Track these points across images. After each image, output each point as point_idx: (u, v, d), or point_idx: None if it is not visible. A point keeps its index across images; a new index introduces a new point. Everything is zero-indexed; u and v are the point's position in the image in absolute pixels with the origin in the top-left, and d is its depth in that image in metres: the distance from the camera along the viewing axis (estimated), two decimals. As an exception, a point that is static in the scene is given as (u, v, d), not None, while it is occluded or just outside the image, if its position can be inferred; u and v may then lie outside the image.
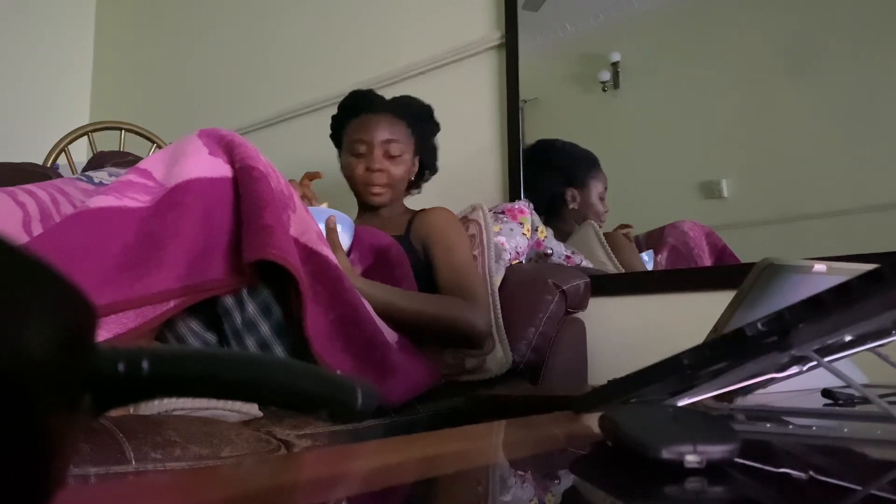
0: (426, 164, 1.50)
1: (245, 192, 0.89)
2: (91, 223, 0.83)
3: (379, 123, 1.39)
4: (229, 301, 0.88)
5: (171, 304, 0.82)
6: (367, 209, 1.46)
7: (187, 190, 0.88)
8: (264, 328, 0.90)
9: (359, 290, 1.00)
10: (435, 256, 1.27)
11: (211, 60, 2.61)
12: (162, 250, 0.82)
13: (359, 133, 1.39)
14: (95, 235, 0.82)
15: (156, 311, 0.81)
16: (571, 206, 1.64)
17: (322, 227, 1.06)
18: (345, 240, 1.14)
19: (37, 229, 0.92)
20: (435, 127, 1.50)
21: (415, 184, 1.52)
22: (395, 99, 1.46)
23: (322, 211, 1.14)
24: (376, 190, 1.39)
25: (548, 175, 1.67)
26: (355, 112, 1.43)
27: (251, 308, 0.89)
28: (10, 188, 0.96)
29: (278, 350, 0.91)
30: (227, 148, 0.94)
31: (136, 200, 0.88)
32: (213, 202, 0.89)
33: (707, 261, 1.43)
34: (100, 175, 1.16)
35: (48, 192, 0.98)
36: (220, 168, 0.92)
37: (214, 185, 0.90)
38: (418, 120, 1.45)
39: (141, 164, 0.97)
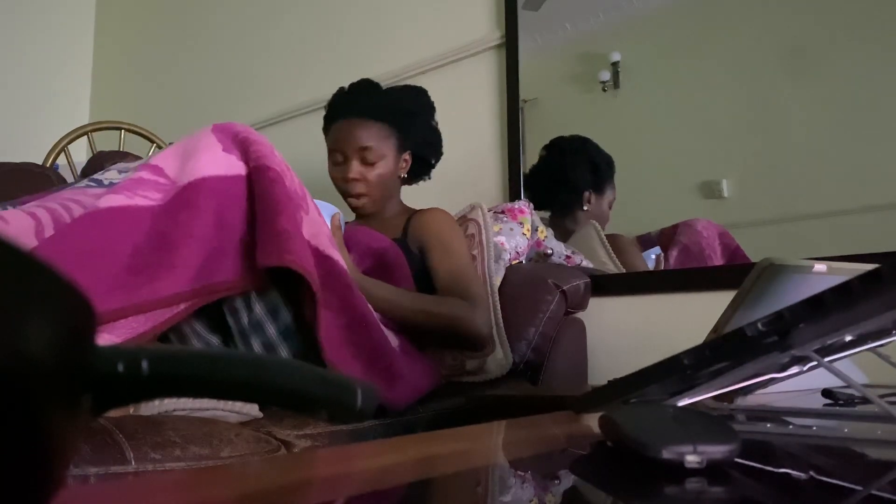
0: (424, 153, 1.44)
1: (260, 193, 0.88)
2: (102, 224, 0.83)
3: (353, 130, 1.34)
4: (238, 301, 0.88)
5: (182, 306, 0.81)
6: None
7: (200, 189, 0.87)
8: (271, 330, 0.89)
9: (362, 287, 1.00)
10: (432, 259, 1.25)
11: (211, 60, 2.61)
12: (173, 252, 0.81)
13: (335, 142, 1.36)
14: (106, 236, 0.81)
15: (166, 314, 0.80)
16: (586, 207, 1.64)
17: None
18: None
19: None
20: (425, 115, 1.43)
21: (413, 177, 1.48)
22: (373, 96, 1.40)
23: (319, 204, 1.13)
24: (354, 202, 1.37)
25: (578, 171, 1.65)
26: (333, 118, 1.40)
27: (259, 309, 0.88)
28: (19, 199, 0.95)
29: (284, 352, 0.90)
30: (241, 145, 0.93)
31: (148, 199, 0.87)
32: (226, 202, 0.87)
33: (719, 261, 1.42)
34: (109, 175, 1.15)
35: (60, 202, 0.97)
36: (234, 166, 0.90)
37: (228, 184, 0.89)
38: (399, 115, 1.38)
39: (153, 160, 0.95)
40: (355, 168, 1.34)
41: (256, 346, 0.89)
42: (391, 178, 1.39)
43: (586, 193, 1.64)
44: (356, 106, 1.38)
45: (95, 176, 1.16)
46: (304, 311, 0.88)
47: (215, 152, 0.91)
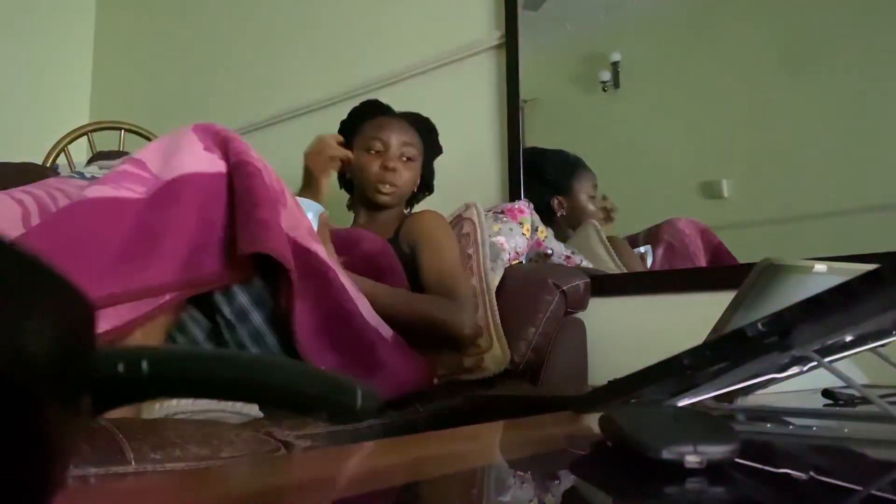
0: (426, 183, 1.52)
1: (240, 187, 0.90)
2: (88, 214, 0.84)
3: (397, 126, 1.43)
4: (222, 296, 0.90)
5: (167, 297, 0.83)
6: (365, 211, 1.46)
7: (185, 185, 0.89)
8: (257, 318, 0.91)
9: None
10: (422, 258, 1.28)
11: (211, 60, 2.61)
12: (160, 244, 0.83)
13: (377, 132, 1.42)
14: (93, 226, 0.82)
15: (151, 304, 0.81)
16: (560, 213, 1.66)
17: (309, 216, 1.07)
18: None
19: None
20: (439, 149, 1.54)
21: (412, 199, 1.54)
22: (408, 112, 1.51)
23: (306, 203, 1.13)
24: (387, 189, 1.40)
25: (532, 187, 1.68)
26: (371, 115, 1.47)
27: (244, 299, 0.90)
28: (7, 190, 0.96)
29: (271, 340, 0.92)
30: (221, 143, 0.95)
31: (132, 191, 0.89)
32: (210, 197, 0.90)
33: (702, 258, 1.43)
34: (90, 170, 1.16)
35: (45, 191, 0.99)
36: (215, 164, 0.93)
37: (211, 181, 0.91)
38: (428, 136, 1.49)
39: (136, 155, 0.97)
40: (394, 158, 1.40)
41: (244, 335, 0.91)
42: (413, 185, 1.46)
43: (554, 201, 1.65)
44: (398, 112, 1.49)
45: (78, 170, 1.19)
46: (282, 300, 0.89)
47: (197, 150, 0.93)
